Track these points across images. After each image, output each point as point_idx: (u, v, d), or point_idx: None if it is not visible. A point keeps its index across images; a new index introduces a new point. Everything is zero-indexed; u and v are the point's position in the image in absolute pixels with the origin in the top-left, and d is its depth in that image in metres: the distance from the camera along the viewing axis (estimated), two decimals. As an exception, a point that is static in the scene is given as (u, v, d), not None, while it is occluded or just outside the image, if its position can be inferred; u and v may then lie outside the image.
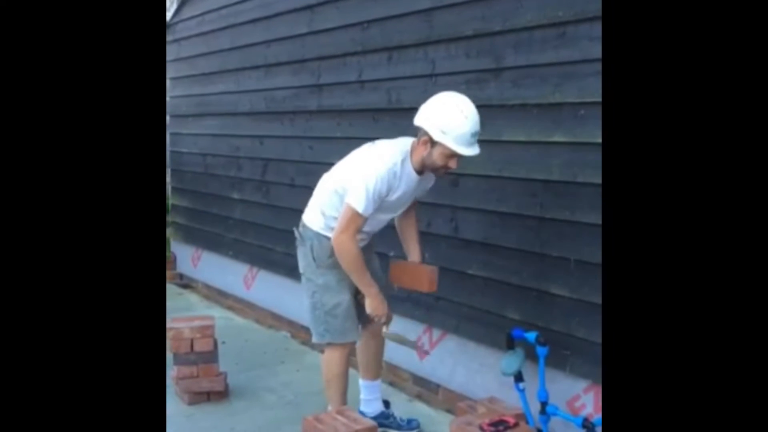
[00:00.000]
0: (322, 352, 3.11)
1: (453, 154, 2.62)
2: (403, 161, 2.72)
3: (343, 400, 3.02)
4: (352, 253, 2.73)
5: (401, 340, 3.13)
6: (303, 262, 2.95)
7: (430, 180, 2.92)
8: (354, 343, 3.01)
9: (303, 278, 2.97)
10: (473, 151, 2.63)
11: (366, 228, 2.81)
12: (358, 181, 2.66)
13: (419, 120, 2.66)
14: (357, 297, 2.94)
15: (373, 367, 3.19)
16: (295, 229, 2.98)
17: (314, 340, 2.99)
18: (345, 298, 2.88)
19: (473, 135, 2.61)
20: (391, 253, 3.39)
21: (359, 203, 2.64)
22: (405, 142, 2.78)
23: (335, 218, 2.79)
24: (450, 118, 2.57)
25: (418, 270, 2.98)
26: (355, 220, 2.68)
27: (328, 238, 2.79)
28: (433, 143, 2.62)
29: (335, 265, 2.82)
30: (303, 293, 2.99)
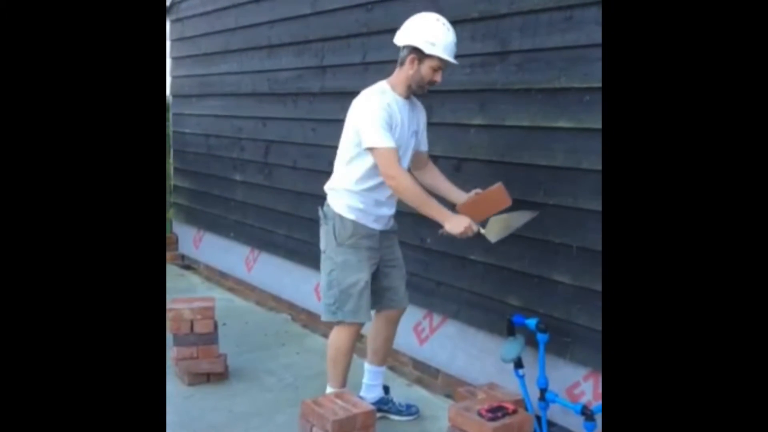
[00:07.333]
0: (326, 336, 3.09)
1: (439, 67, 2.73)
2: (384, 92, 2.80)
3: (344, 381, 3.02)
4: (409, 188, 2.71)
5: (515, 219, 2.82)
6: (324, 240, 2.95)
7: (422, 110, 2.98)
8: (362, 324, 2.98)
9: (323, 256, 2.96)
10: (455, 60, 2.76)
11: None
12: (363, 123, 2.72)
13: (404, 39, 2.74)
14: (374, 278, 2.94)
15: (382, 353, 3.18)
16: (319, 208, 2.99)
17: (325, 317, 2.97)
18: (362, 277, 2.88)
19: (455, 44, 2.74)
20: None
21: (378, 139, 2.67)
22: (378, 83, 2.87)
23: (356, 192, 2.82)
24: (436, 31, 2.69)
25: (488, 195, 2.85)
26: (389, 155, 2.68)
27: (351, 220, 2.83)
28: (420, 59, 2.71)
29: (356, 245, 2.86)
30: (321, 272, 2.98)
